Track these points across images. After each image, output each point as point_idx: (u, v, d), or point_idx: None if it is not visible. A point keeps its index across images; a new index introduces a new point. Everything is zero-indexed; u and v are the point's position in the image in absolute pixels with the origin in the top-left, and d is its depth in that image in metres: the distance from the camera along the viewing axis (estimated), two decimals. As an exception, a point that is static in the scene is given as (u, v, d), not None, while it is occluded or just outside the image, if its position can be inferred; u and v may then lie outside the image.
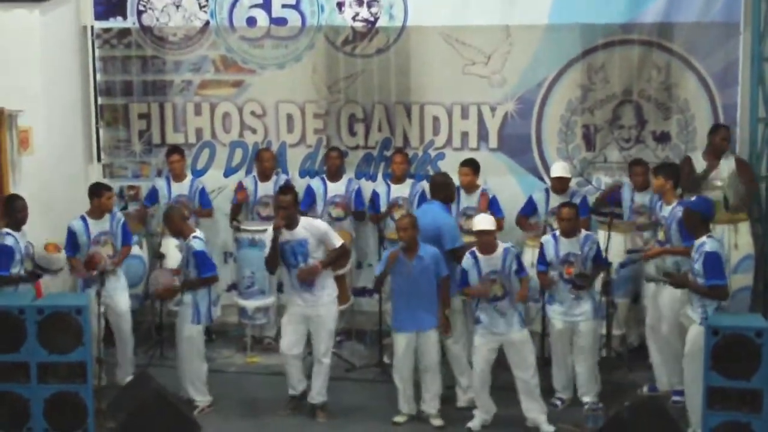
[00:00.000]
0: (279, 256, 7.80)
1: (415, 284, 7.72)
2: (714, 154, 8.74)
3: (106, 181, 9.55)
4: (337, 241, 7.89)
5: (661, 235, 8.14)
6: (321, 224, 8.00)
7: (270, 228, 7.92)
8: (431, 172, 9.54)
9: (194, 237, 8.03)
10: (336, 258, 7.93)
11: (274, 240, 7.74)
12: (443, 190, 8.25)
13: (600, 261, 7.96)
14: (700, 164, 8.72)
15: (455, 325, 7.99)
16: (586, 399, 7.94)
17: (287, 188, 8.12)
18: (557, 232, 8.00)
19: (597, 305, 7.91)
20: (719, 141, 8.73)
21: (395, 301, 7.91)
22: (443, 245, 7.91)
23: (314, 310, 7.85)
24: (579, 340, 7.94)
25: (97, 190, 8.55)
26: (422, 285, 7.72)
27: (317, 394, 8.00)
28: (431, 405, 7.93)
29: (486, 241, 7.65)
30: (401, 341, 7.83)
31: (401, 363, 7.87)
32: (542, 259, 7.99)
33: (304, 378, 8.08)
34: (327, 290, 7.90)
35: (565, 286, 7.90)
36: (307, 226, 7.83)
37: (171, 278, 8.13)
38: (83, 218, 8.47)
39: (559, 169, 8.96)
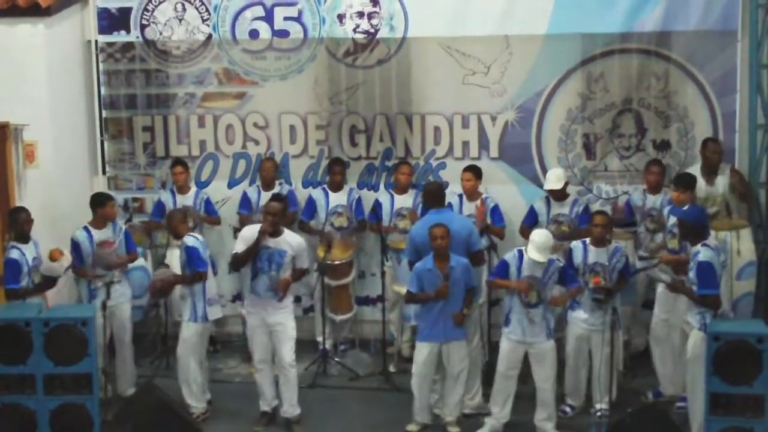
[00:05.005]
0: (250, 258, 7.86)
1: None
2: (708, 168, 8.78)
3: (110, 193, 9.59)
4: (306, 264, 8.13)
5: (673, 243, 8.14)
6: (302, 242, 8.09)
7: (247, 228, 8.04)
8: (434, 182, 9.63)
9: (189, 235, 8.20)
10: (299, 277, 8.07)
11: (256, 242, 7.79)
12: (438, 199, 8.16)
13: (627, 274, 7.97)
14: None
15: (469, 331, 7.98)
16: (597, 406, 7.94)
17: (279, 197, 8.27)
18: (587, 240, 7.99)
19: (617, 315, 7.77)
20: (710, 155, 8.78)
21: (422, 311, 7.85)
22: (472, 248, 7.94)
23: (275, 318, 7.91)
24: (597, 347, 7.89)
25: (100, 200, 8.62)
26: (451, 296, 7.69)
27: (290, 407, 8.00)
28: (451, 412, 7.92)
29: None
30: (424, 351, 7.80)
31: (422, 372, 7.83)
32: (569, 263, 7.97)
33: (276, 396, 8.09)
34: (289, 298, 8.03)
35: (589, 294, 7.87)
36: (291, 240, 7.94)
37: (171, 275, 8.28)
38: (86, 229, 8.52)
39: (552, 180, 8.87)
